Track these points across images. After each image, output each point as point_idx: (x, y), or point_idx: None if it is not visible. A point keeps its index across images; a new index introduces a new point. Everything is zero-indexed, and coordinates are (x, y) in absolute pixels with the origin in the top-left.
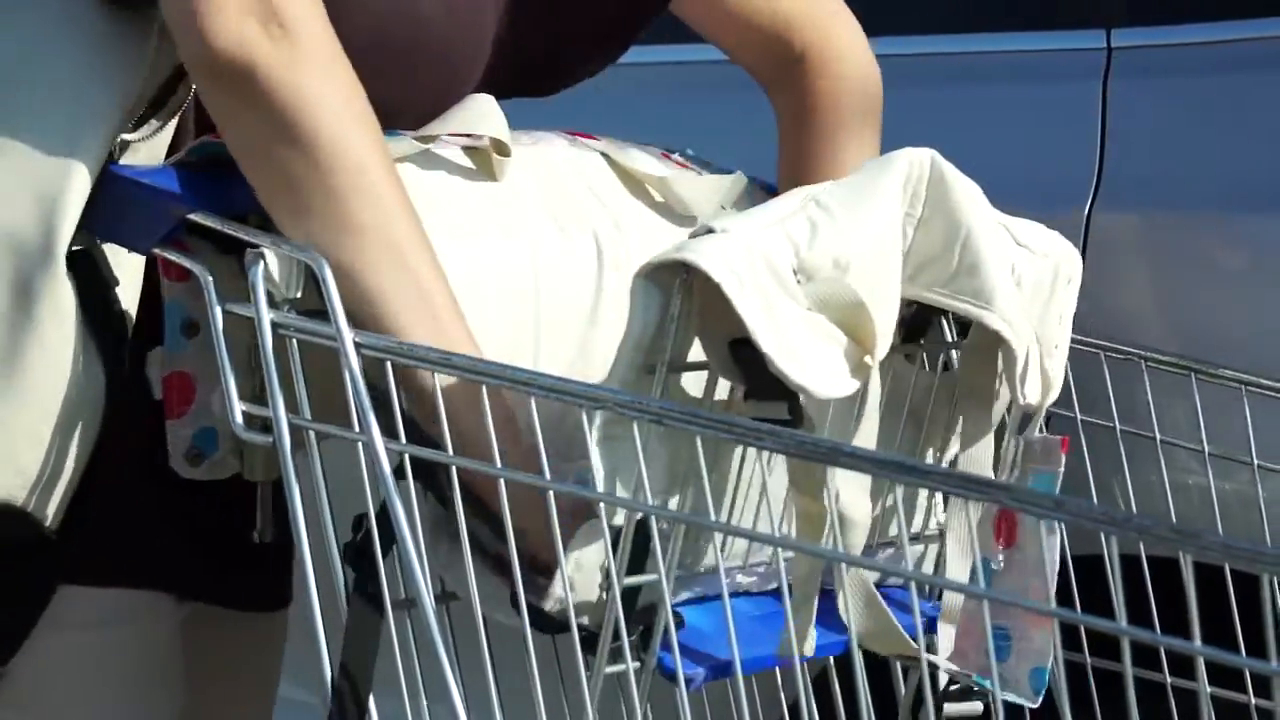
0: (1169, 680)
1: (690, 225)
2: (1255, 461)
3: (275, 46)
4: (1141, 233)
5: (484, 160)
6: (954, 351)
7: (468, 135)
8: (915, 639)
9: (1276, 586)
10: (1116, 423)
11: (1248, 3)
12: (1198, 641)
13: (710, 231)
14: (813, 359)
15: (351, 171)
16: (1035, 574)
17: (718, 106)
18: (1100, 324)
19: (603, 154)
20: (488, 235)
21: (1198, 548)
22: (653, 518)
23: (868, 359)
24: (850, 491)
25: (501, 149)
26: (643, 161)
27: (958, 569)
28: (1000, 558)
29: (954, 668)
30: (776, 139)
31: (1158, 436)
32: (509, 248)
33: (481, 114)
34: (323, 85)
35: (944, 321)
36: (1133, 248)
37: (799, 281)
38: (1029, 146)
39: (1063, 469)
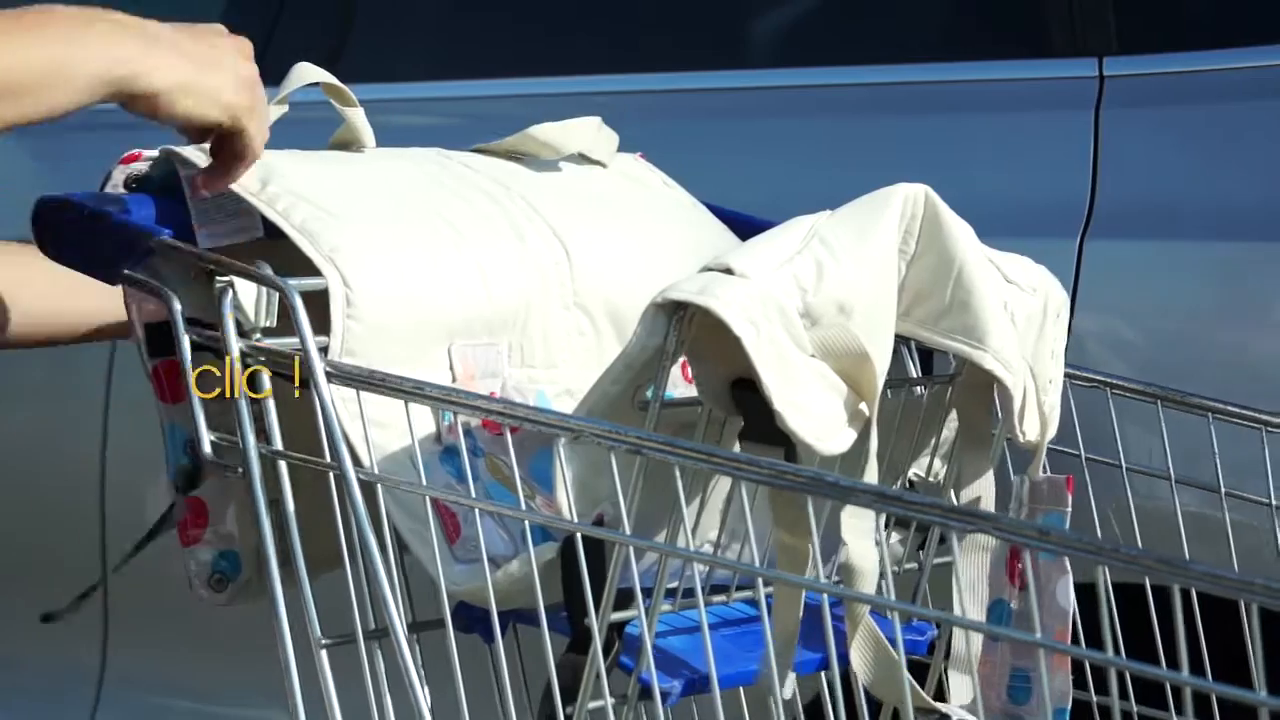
0: (1135, 709)
1: (567, 167)
2: (1223, 490)
3: None
4: (1133, 261)
5: (347, 135)
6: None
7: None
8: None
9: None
10: (1081, 451)
11: (1239, 32)
12: (1185, 671)
13: (728, 271)
14: (816, 411)
15: None
16: (1052, 615)
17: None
18: (1096, 352)
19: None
20: (384, 160)
21: (1186, 577)
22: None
23: (863, 408)
24: (858, 543)
25: (345, 97)
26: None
27: (971, 614)
28: (1016, 599)
29: (969, 717)
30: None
31: (1123, 464)
32: (415, 197)
33: (311, 72)
34: None
35: (906, 350)
36: (1124, 276)
37: (805, 326)
38: (1021, 175)
39: (1069, 508)
